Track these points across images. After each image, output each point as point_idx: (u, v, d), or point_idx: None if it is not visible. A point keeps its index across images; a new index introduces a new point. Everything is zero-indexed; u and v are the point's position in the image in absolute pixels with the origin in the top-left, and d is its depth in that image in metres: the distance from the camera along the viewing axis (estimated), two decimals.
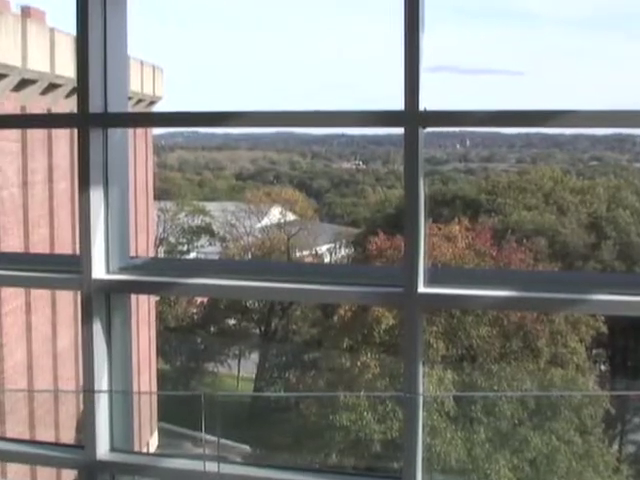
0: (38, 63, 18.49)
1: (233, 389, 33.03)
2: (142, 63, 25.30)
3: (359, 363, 22.09)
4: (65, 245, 19.14)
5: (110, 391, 3.75)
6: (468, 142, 75.67)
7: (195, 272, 3.80)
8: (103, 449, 3.78)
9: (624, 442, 27.62)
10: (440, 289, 3.41)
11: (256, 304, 33.84)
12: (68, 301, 18.82)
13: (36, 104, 18.58)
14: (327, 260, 38.28)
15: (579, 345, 23.37)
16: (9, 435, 15.37)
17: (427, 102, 3.32)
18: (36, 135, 18.59)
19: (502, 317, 22.48)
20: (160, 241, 39.61)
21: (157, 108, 27.26)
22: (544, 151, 69.16)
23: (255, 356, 33.49)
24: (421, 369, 3.42)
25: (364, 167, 72.72)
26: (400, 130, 3.36)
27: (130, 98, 21.84)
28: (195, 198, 48.23)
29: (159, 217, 38.79)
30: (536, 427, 20.96)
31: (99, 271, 3.72)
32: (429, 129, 3.42)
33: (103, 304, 3.74)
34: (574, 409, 21.26)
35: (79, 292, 3.72)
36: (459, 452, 20.36)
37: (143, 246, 25.49)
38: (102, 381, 3.74)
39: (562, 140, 68.43)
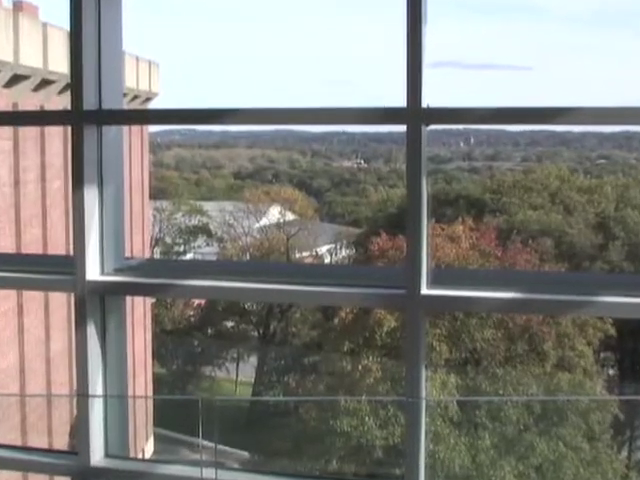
0: (30, 58, 18.49)
1: (231, 393, 33.02)
2: (137, 58, 25.30)
3: (360, 367, 22.08)
4: (58, 246, 19.14)
5: (105, 395, 3.75)
6: (472, 140, 75.66)
7: (192, 273, 3.81)
8: (97, 455, 3.78)
9: (633, 448, 27.61)
10: (443, 291, 3.42)
11: (255, 306, 33.83)
12: (61, 303, 18.82)
13: (28, 101, 18.58)
14: (327, 261, 38.28)
15: (586, 348, 23.37)
16: (0, 441, 15.38)
17: (430, 99, 3.32)
18: (28, 133, 18.59)
19: (507, 319, 22.47)
20: (156, 241, 39.61)
21: (153, 105, 27.25)
22: (550, 149, 69.16)
23: (254, 359, 33.47)
24: (424, 373, 3.42)
25: (365, 166, 72.73)
26: (402, 127, 3.36)
27: (125, 94, 21.85)
28: (192, 197, 48.21)
29: (155, 217, 38.78)
30: (542, 433, 20.95)
31: (93, 272, 3.72)
32: (432, 126, 3.42)
33: (97, 306, 3.74)
34: (581, 414, 21.25)
35: (73, 294, 3.73)
36: (463, 458, 20.35)
37: (138, 247, 25.48)
38: (96, 385, 3.74)
39: (569, 138, 68.45)
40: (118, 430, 3.84)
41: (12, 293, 17.51)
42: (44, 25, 19.15)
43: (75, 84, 3.63)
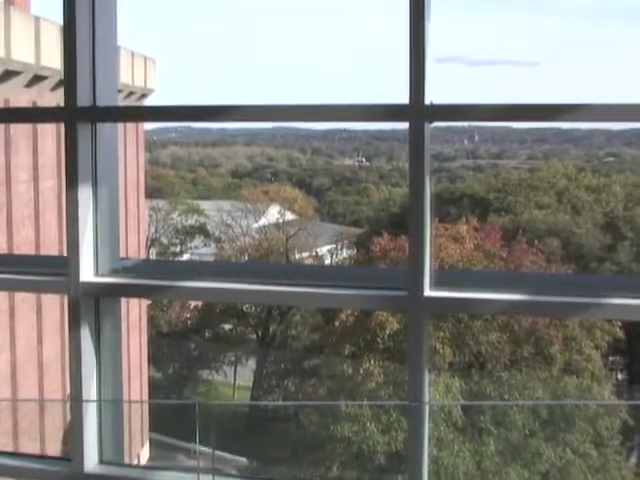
0: (22, 54, 18.50)
1: (229, 398, 33.04)
2: (133, 54, 25.31)
3: (362, 370, 22.09)
4: (51, 247, 19.15)
5: (99, 400, 3.75)
6: (477, 137, 75.71)
7: (189, 274, 3.81)
8: (91, 462, 3.78)
9: None
10: (447, 292, 3.42)
11: (253, 308, 33.86)
12: (54, 305, 18.82)
13: (20, 97, 18.59)
14: (328, 262, 38.29)
15: (594, 352, 23.37)
16: None
17: (433, 95, 3.32)
18: (20, 130, 18.60)
19: (512, 322, 22.48)
20: (152, 242, 39.64)
21: (149, 101, 27.27)
22: (557, 147, 69.22)
23: (252, 363, 33.49)
24: (427, 377, 3.42)
25: (367, 164, 72.81)
26: (405, 125, 3.37)
27: (120, 91, 21.85)
28: (189, 196, 48.29)
29: (151, 217, 38.81)
30: (549, 439, 20.95)
31: (87, 273, 3.72)
32: (435, 124, 3.42)
33: (92, 308, 3.74)
34: (589, 420, 21.26)
35: (66, 296, 3.73)
36: (467, 465, 20.36)
37: (134, 247, 25.49)
38: (90, 389, 3.74)
39: (577, 135, 68.51)
40: (113, 436, 3.84)
41: (3, 295, 17.50)
42: (36, 19, 19.15)
43: (68, 80, 3.64)
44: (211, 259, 37.85)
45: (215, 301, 25.57)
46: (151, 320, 31.23)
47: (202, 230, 41.34)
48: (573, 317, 18.23)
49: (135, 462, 23.14)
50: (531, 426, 20.92)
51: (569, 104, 3.28)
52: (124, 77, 23.26)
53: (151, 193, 36.76)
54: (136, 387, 24.65)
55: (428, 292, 3.39)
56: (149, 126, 39.89)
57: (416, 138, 3.34)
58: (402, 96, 3.36)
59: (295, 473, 21.64)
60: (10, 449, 16.68)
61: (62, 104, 3.70)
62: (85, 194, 3.69)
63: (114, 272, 3.81)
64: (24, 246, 18.69)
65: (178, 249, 41.06)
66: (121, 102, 21.37)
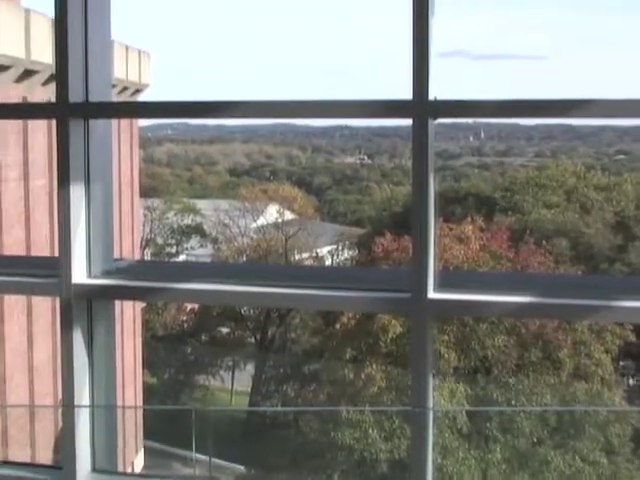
0: (12, 47, 18.48)
1: (226, 404, 33.03)
2: (127, 48, 25.31)
3: (363, 375, 22.09)
4: (42, 248, 19.14)
5: (92, 406, 3.76)
6: (482, 134, 75.72)
7: (185, 276, 3.81)
8: (84, 470, 3.78)
9: None
10: (451, 295, 3.42)
11: (251, 311, 33.84)
12: (46, 308, 18.82)
13: (10, 92, 18.58)
14: (328, 263, 38.29)
15: (605, 356, 23.36)
16: None
17: (437, 91, 3.33)
18: (10, 127, 18.59)
19: (520, 325, 22.48)
20: (147, 242, 39.64)
21: (143, 97, 27.27)
22: (566, 144, 69.22)
23: (250, 368, 33.48)
24: (431, 382, 3.43)
25: (369, 162, 72.81)
26: (408, 121, 3.37)
27: (114, 86, 21.82)
28: (185, 195, 48.29)
29: (146, 216, 38.82)
30: (558, 446, 20.95)
31: (80, 275, 3.72)
32: (439, 120, 3.42)
33: (84, 311, 3.74)
34: (599, 426, 21.25)
35: (58, 298, 3.73)
36: (473, 473, 20.35)
37: (128, 248, 25.49)
38: (83, 395, 3.74)
39: (586, 132, 68.51)
40: (106, 443, 3.84)
41: None
42: (26, 11, 19.14)
43: (60, 75, 3.64)
44: (208, 260, 37.82)
45: (212, 304, 25.57)
46: (146, 323, 31.22)
47: (198, 230, 41.34)
48: (582, 320, 18.23)
49: (129, 470, 23.13)
50: (539, 433, 20.91)
51: (578, 99, 3.28)
52: (118, 72, 23.25)
53: (146, 192, 36.75)
54: (130, 392, 24.65)
55: (432, 294, 3.39)
56: (144, 122, 39.84)
57: (420, 135, 3.34)
58: (405, 92, 3.36)
59: None
60: None
61: (54, 100, 3.70)
62: (77, 193, 3.70)
63: (107, 273, 3.81)
64: (14, 247, 18.68)
65: (174, 250, 41.06)
66: (115, 98, 21.35)
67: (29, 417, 19.69)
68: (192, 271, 4.12)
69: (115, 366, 3.88)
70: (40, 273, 3.86)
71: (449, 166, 62.35)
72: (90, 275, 3.77)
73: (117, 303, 4.10)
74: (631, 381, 30.41)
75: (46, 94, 19.16)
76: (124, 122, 23.84)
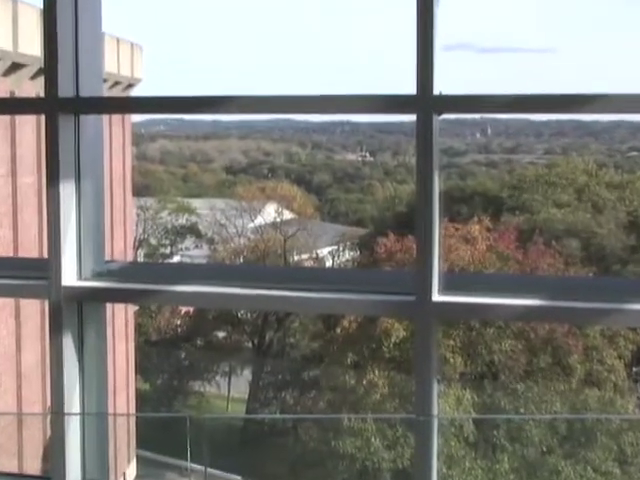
0: None
1: (222, 411, 33.02)
2: (119, 40, 25.33)
3: (365, 381, 22.10)
4: (30, 248, 19.14)
5: (82, 413, 3.76)
6: (489, 130, 75.68)
7: (179, 278, 3.81)
8: None
9: None
10: (457, 297, 3.42)
11: (249, 314, 33.84)
12: (34, 311, 18.82)
13: None
14: (329, 264, 38.29)
15: (617, 362, 23.37)
16: None
17: (442, 85, 3.33)
18: None
19: (528, 330, 22.49)
20: (139, 243, 39.65)
21: (136, 92, 27.28)
22: (577, 140, 69.18)
23: (247, 373, 33.47)
24: (436, 388, 3.43)
25: (371, 159, 72.79)
26: (412, 117, 3.37)
27: (105, 80, 21.84)
28: (179, 194, 48.28)
29: (138, 216, 38.82)
30: (568, 455, 20.95)
31: (70, 277, 3.73)
32: (445, 115, 3.43)
33: (74, 314, 3.74)
34: (612, 435, 21.25)
35: (47, 301, 3.73)
36: None
37: (120, 249, 25.50)
38: (73, 402, 3.74)
39: (598, 128, 68.49)
40: (97, 452, 3.84)
41: None
42: (14, 2, 19.15)
43: (49, 68, 3.64)
44: (203, 261, 37.82)
45: (208, 307, 25.58)
46: (138, 327, 31.22)
47: (193, 230, 41.35)
48: (594, 324, 18.23)
49: None
50: (549, 442, 20.91)
51: (589, 94, 3.29)
52: (109, 65, 23.26)
53: (139, 190, 36.76)
54: (122, 399, 24.65)
55: (437, 297, 3.39)
56: (136, 118, 39.89)
57: (424, 131, 3.35)
58: (409, 86, 3.36)
59: None
60: None
61: (42, 94, 3.71)
62: (67, 191, 3.70)
63: (98, 275, 3.81)
64: (1, 247, 18.69)
65: (168, 251, 41.06)
66: (106, 92, 21.36)
67: (17, 425, 19.69)
68: (187, 273, 4.12)
69: (106, 372, 3.88)
70: (28, 275, 3.86)
71: (455, 163, 62.32)
72: (80, 277, 3.77)
73: (108, 306, 4.10)
74: None
75: (35, 88, 19.17)
76: (116, 118, 23.85)
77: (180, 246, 41.13)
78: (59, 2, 3.61)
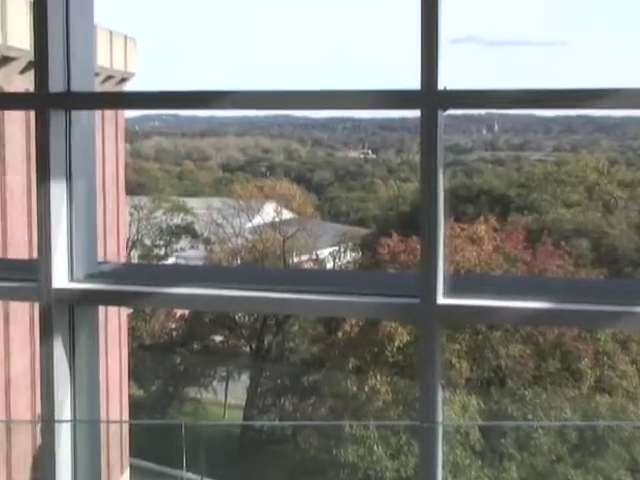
0: None
1: (219, 418, 33.04)
2: (112, 33, 25.33)
3: (367, 387, 22.11)
4: (19, 249, 19.14)
5: (73, 421, 3.76)
6: (496, 127, 75.73)
7: (174, 280, 3.81)
8: None
9: None
10: (463, 300, 3.42)
11: (246, 318, 33.86)
12: (23, 315, 18.82)
13: None
14: (330, 266, 38.32)
15: (630, 367, 23.38)
16: None
17: (448, 80, 3.33)
18: None
19: (537, 334, 22.50)
20: (133, 244, 39.68)
21: (129, 86, 27.29)
22: (587, 137, 69.24)
23: (245, 379, 33.49)
24: (440, 394, 3.42)
25: (373, 156, 72.86)
26: (416, 113, 3.37)
27: (97, 74, 21.86)
28: (175, 193, 48.36)
29: (132, 215, 38.86)
30: (578, 464, 20.96)
31: (61, 279, 3.72)
32: (450, 111, 3.42)
33: (65, 318, 3.74)
34: (624, 443, 21.25)
35: (37, 304, 3.73)
36: None
37: (113, 250, 25.51)
38: (63, 409, 3.74)
39: (609, 124, 68.50)
40: (88, 461, 3.84)
41: None
42: None
43: (39, 62, 3.64)
44: (199, 263, 37.85)
45: (204, 310, 25.59)
46: (132, 331, 31.24)
47: (189, 230, 41.39)
48: (605, 328, 18.24)
49: None
50: (558, 450, 20.92)
51: (600, 89, 3.28)
52: (102, 59, 23.27)
53: (132, 189, 36.78)
54: (115, 406, 24.65)
55: (442, 299, 3.39)
56: (130, 114, 39.93)
57: (428, 127, 3.35)
58: (413, 81, 3.36)
59: None
60: None
61: (32, 89, 3.70)
62: (58, 190, 3.70)
63: (90, 277, 3.81)
64: None
65: (162, 251, 41.09)
66: (98, 87, 21.39)
67: (5, 433, 19.69)
68: (182, 274, 4.12)
69: (99, 377, 3.88)
70: (17, 277, 3.86)
71: (460, 161, 62.36)
72: (72, 279, 3.77)
73: (101, 309, 4.10)
74: None
75: (24, 83, 19.16)
76: (109, 114, 23.85)
77: (175, 247, 41.17)
78: None
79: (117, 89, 25.43)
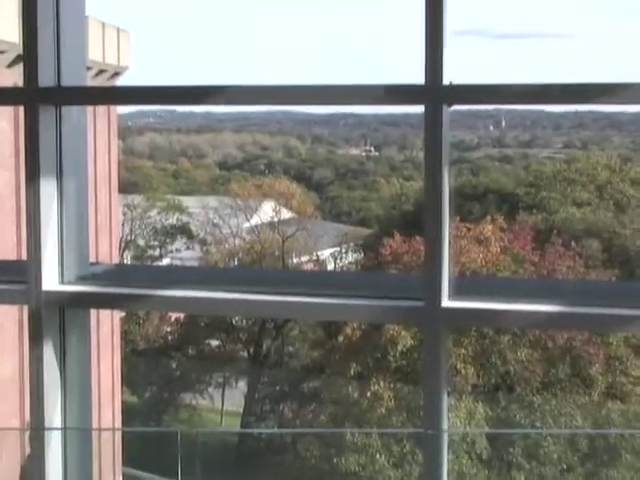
0: None
1: (216, 425, 33.04)
2: (104, 25, 25.33)
3: (370, 394, 22.10)
4: (8, 250, 19.14)
5: (64, 428, 3.76)
6: (504, 123, 75.73)
7: (169, 282, 3.81)
8: None
9: None
10: (468, 303, 3.42)
11: (244, 321, 33.85)
12: (12, 318, 18.82)
13: None
14: (331, 267, 38.33)
15: None
16: None
17: (453, 74, 3.33)
18: None
19: (546, 338, 22.49)
20: (126, 244, 39.67)
21: (122, 81, 27.29)
22: (598, 133, 69.28)
23: (243, 385, 33.49)
24: (446, 401, 3.43)
25: (376, 154, 72.89)
26: (420, 108, 3.37)
27: (89, 69, 21.86)
28: (169, 191, 48.37)
29: (125, 215, 38.86)
30: (589, 474, 20.95)
31: (51, 281, 3.72)
32: (455, 107, 3.43)
33: (56, 321, 3.74)
34: (637, 452, 21.25)
35: (26, 307, 3.73)
36: None
37: (105, 250, 25.51)
38: (54, 416, 3.74)
39: (621, 120, 68.49)
40: (79, 470, 3.84)
41: None
42: None
43: (29, 55, 3.64)
44: (195, 264, 37.86)
45: (200, 313, 25.60)
46: (125, 335, 31.23)
47: (185, 230, 41.39)
48: (617, 332, 18.23)
49: None
50: (568, 459, 20.91)
51: (612, 83, 3.29)
52: (93, 53, 23.27)
53: (125, 187, 36.79)
54: (107, 413, 24.66)
55: (447, 302, 3.39)
56: (123, 110, 39.95)
57: (433, 123, 3.35)
58: (417, 75, 3.36)
59: None
60: None
61: (21, 84, 3.70)
62: (48, 189, 3.70)
63: (82, 279, 3.81)
64: None
65: (157, 252, 41.09)
66: (90, 82, 21.38)
67: None
68: (177, 276, 4.12)
69: (90, 383, 3.88)
70: (6, 279, 3.86)
71: (466, 158, 62.36)
72: (63, 281, 3.77)
73: (93, 312, 4.10)
74: None
75: (12, 77, 19.16)
76: (101, 109, 23.85)
77: (170, 247, 41.17)
78: None
79: (110, 84, 25.43)
